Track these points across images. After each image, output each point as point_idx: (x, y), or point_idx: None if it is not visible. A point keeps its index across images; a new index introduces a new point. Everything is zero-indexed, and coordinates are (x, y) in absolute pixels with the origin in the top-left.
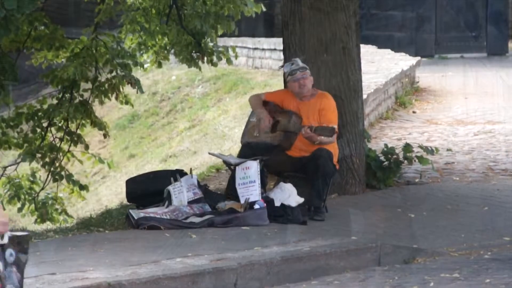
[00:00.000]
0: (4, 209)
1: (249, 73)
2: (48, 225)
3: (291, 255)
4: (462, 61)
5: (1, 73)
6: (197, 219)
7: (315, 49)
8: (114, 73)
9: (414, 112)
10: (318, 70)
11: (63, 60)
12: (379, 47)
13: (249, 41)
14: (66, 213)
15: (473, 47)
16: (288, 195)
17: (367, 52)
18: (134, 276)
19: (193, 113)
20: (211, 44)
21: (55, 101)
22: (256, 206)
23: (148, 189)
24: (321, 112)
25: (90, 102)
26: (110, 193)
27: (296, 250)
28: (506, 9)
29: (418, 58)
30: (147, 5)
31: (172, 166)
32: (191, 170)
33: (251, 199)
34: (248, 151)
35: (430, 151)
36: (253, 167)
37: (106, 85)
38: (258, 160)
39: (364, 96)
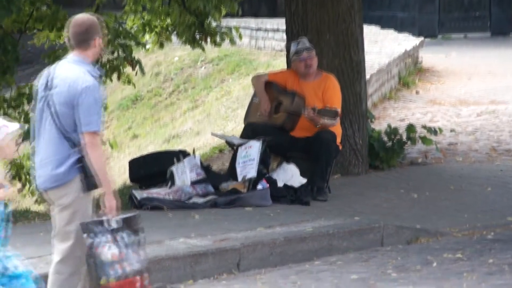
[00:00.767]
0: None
1: (252, 53)
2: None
3: (294, 235)
4: (466, 41)
5: (4, 53)
6: (200, 200)
7: (318, 30)
8: (115, 54)
9: (417, 92)
10: (321, 50)
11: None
12: (382, 27)
13: (252, 22)
14: None
15: (477, 27)
16: (291, 175)
17: (370, 32)
18: None
19: (196, 94)
20: (214, 24)
21: None
22: (259, 187)
23: (151, 169)
24: (324, 94)
25: None
26: (113, 174)
27: (299, 231)
28: None
29: (422, 38)
30: None
31: (175, 146)
32: (194, 150)
33: (248, 176)
34: (250, 131)
35: (434, 131)
36: (255, 146)
37: (108, 66)
38: (261, 140)
39: (367, 77)
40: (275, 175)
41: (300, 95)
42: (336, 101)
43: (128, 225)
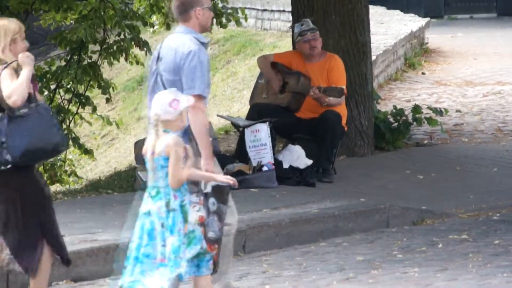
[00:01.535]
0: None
1: (257, 34)
2: (57, 187)
3: (299, 217)
4: (472, 22)
5: None
6: None
7: (323, 10)
8: (122, 35)
9: (423, 73)
10: (326, 31)
11: (71, 21)
12: (388, 8)
13: (257, 2)
14: (76, 175)
15: (483, 7)
16: (296, 157)
17: (376, 13)
18: None
19: None
20: (220, 5)
21: (63, 63)
22: (265, 168)
23: None
24: (329, 73)
25: (98, 64)
26: (119, 155)
27: (305, 212)
28: None
29: (427, 19)
30: None
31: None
32: None
33: (263, 162)
34: (256, 113)
35: (439, 112)
36: (263, 130)
37: (115, 47)
38: (267, 123)
39: (373, 57)
40: (280, 157)
41: (305, 75)
42: (341, 80)
43: (218, 193)
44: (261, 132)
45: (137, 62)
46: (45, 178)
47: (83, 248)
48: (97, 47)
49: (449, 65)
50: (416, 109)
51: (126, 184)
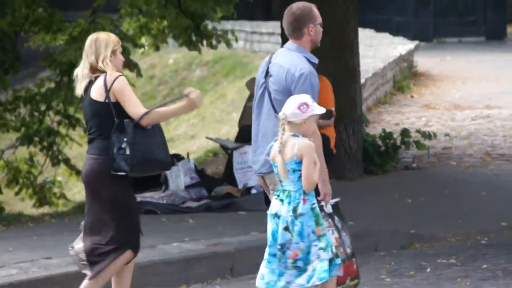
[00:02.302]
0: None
1: (247, 56)
2: (45, 209)
3: None
4: (461, 45)
5: (3, 53)
6: (194, 204)
7: None
8: None
9: (412, 96)
10: (315, 54)
11: (61, 43)
12: (378, 31)
13: (247, 25)
14: (65, 197)
15: (472, 31)
16: None
17: (365, 36)
18: None
19: None
20: (210, 27)
21: (53, 85)
22: (253, 191)
23: None
24: (318, 96)
25: None
26: None
27: None
28: None
29: (417, 42)
30: None
31: (169, 150)
32: (188, 154)
33: (249, 184)
34: (245, 135)
35: (428, 136)
36: (250, 152)
37: None
38: None
39: (362, 81)
40: None
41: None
42: (330, 102)
43: (337, 211)
44: (249, 154)
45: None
46: (34, 201)
47: (70, 270)
48: None
49: (438, 89)
50: (405, 132)
51: None
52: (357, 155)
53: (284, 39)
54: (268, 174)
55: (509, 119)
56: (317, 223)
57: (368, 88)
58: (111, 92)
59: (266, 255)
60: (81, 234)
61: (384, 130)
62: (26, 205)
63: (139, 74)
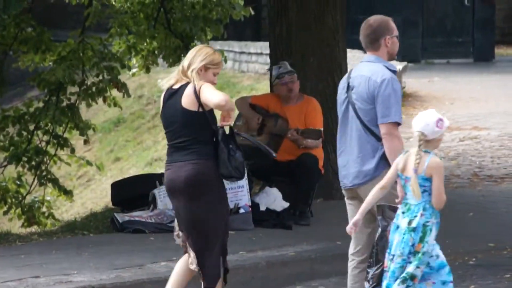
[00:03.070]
0: None
1: (235, 77)
2: (33, 228)
3: (276, 259)
4: (449, 66)
5: None
6: None
7: (301, 53)
8: (101, 77)
9: None
10: (304, 74)
11: (50, 63)
12: (365, 52)
13: (235, 45)
14: (53, 217)
15: (460, 52)
16: (273, 199)
17: (354, 57)
18: (119, 279)
19: None
20: None
21: (41, 104)
22: (242, 211)
23: (133, 192)
24: (307, 116)
25: (77, 105)
26: (95, 197)
27: (281, 255)
28: (493, 15)
29: (405, 63)
30: (136, 9)
31: (157, 169)
32: None
33: (240, 204)
34: None
35: None
36: None
37: (93, 88)
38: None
39: None
40: (257, 199)
41: (283, 117)
42: (318, 123)
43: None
44: None
45: (115, 104)
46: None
47: None
48: (75, 89)
49: (426, 109)
50: None
51: (102, 225)
52: None
53: (273, 59)
54: (362, 185)
55: (497, 140)
56: (421, 240)
57: None
58: (201, 100)
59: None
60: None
61: None
62: (14, 225)
63: (127, 94)
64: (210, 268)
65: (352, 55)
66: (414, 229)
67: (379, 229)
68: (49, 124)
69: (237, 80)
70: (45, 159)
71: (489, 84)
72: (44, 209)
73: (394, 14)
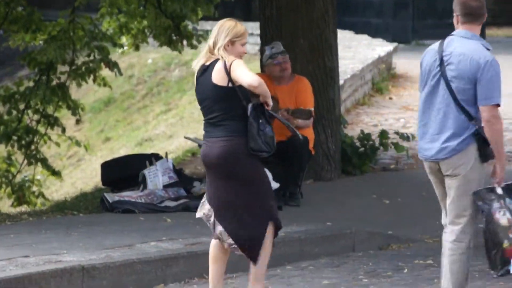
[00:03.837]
0: None
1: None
2: (23, 207)
3: None
4: None
5: None
6: (172, 203)
7: (292, 35)
8: (91, 56)
9: (390, 98)
10: (295, 55)
11: (40, 42)
12: (356, 32)
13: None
14: (43, 196)
15: (450, 33)
16: None
17: (344, 37)
18: (108, 259)
19: (169, 97)
20: (190, 27)
21: (31, 84)
22: None
23: (123, 172)
24: (297, 96)
25: (67, 85)
26: (85, 177)
27: None
28: None
29: (395, 44)
30: None
31: (147, 150)
32: (166, 154)
33: None
34: None
35: (406, 137)
36: None
37: (84, 68)
38: None
39: (341, 82)
40: None
41: (273, 97)
42: (309, 103)
43: (509, 192)
44: None
45: (105, 84)
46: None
47: (47, 269)
48: (65, 68)
49: (417, 91)
50: (383, 134)
51: (92, 205)
52: (335, 156)
53: (263, 40)
54: (445, 160)
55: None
56: None
57: (347, 90)
58: (231, 76)
59: None
60: (211, 219)
61: (362, 132)
62: (4, 204)
63: (119, 73)
64: (247, 242)
65: (342, 35)
66: None
67: (483, 214)
68: (39, 103)
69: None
70: (35, 139)
71: None
72: (34, 188)
73: None
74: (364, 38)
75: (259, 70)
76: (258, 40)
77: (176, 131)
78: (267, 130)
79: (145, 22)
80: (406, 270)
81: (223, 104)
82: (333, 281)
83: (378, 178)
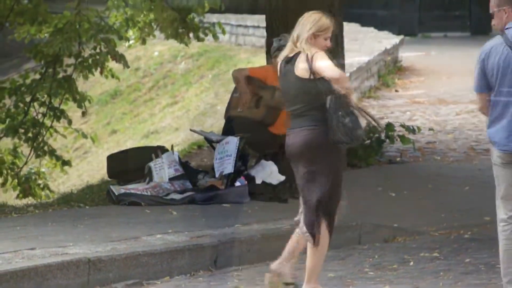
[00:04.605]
0: None
1: (232, 49)
2: (29, 200)
3: (271, 232)
4: (445, 40)
5: None
6: (178, 196)
7: None
8: (98, 49)
9: (396, 91)
10: None
11: (46, 35)
12: (363, 25)
13: (232, 18)
14: (49, 189)
15: (457, 26)
16: (269, 172)
17: (350, 30)
18: (114, 252)
19: (176, 90)
20: (197, 19)
21: (38, 76)
22: (237, 184)
23: (129, 165)
24: None
25: (74, 77)
26: (91, 169)
27: (277, 228)
28: None
29: (402, 36)
30: None
31: (153, 142)
32: (172, 146)
33: (225, 172)
34: (231, 126)
35: (412, 130)
36: (232, 142)
37: (90, 61)
38: (238, 137)
39: (347, 75)
40: (253, 172)
41: (280, 89)
42: None
43: None
44: (230, 144)
45: (112, 76)
46: (18, 192)
47: (53, 261)
48: (72, 61)
49: (423, 83)
50: (389, 126)
51: (98, 197)
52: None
53: (269, 32)
54: None
55: None
56: None
57: (353, 82)
58: (313, 69)
59: None
60: (301, 208)
61: (368, 124)
62: (10, 196)
63: (126, 65)
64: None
65: (348, 28)
66: None
67: None
68: (46, 96)
69: (234, 53)
70: (41, 131)
71: None
72: (39, 180)
73: None
74: (370, 31)
75: (265, 63)
76: (265, 32)
77: (182, 123)
78: (347, 121)
79: (151, 15)
80: (412, 263)
81: (306, 96)
82: (338, 273)
83: (384, 171)
